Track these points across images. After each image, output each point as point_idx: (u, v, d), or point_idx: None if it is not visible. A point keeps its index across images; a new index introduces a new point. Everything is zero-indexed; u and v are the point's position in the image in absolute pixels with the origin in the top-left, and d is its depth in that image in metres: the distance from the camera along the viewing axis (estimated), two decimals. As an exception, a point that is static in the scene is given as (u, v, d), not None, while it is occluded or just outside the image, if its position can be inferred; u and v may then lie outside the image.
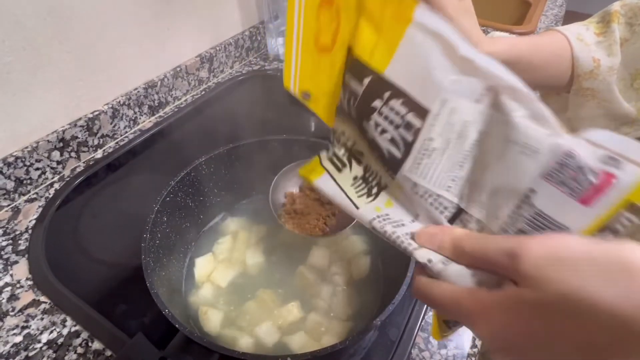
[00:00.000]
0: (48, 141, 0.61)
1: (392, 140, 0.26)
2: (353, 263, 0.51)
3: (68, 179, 0.64)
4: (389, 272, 0.48)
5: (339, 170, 0.31)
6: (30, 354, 0.44)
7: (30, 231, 0.56)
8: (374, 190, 0.29)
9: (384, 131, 0.26)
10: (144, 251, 0.38)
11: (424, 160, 0.25)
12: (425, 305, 0.51)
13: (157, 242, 0.42)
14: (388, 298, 0.36)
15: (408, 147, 0.25)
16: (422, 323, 0.50)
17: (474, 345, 0.49)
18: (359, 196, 0.29)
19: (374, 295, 0.48)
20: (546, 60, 0.45)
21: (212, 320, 0.44)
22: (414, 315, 0.50)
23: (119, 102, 0.69)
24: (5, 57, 0.53)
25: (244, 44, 0.94)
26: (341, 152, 0.31)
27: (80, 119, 0.64)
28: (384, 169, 0.28)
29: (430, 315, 0.51)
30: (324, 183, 0.31)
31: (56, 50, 0.58)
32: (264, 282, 0.48)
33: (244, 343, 0.42)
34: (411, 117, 0.25)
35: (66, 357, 0.44)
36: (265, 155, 0.53)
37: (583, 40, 0.44)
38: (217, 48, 0.86)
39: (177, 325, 0.33)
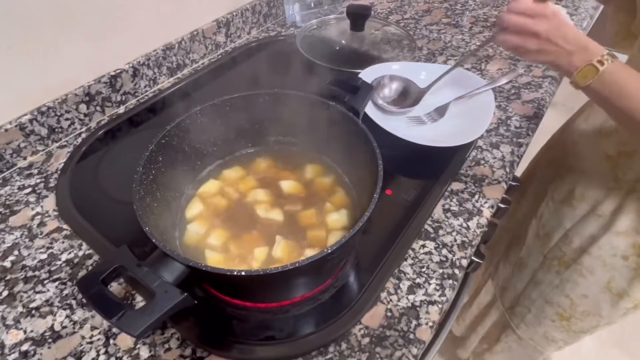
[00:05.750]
0: (76, 94, 0.68)
1: None
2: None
3: (93, 130, 0.72)
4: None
5: None
6: (52, 268, 0.52)
7: (59, 172, 0.64)
8: None
9: None
10: (135, 181, 0.44)
11: None
12: (404, 254, 0.53)
13: (151, 177, 0.47)
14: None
15: None
16: (396, 271, 0.52)
17: (442, 295, 0.50)
18: None
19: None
20: None
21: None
22: (389, 261, 0.52)
23: (139, 62, 0.76)
24: (38, 11, 0.60)
25: (262, 10, 0.96)
26: None
27: (103, 75, 0.71)
28: None
29: (404, 265, 0.52)
30: None
31: (80, 8, 0.64)
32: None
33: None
34: None
35: (80, 273, 0.52)
36: (258, 109, 0.57)
37: None
38: (234, 13, 0.90)
39: (153, 240, 0.38)
